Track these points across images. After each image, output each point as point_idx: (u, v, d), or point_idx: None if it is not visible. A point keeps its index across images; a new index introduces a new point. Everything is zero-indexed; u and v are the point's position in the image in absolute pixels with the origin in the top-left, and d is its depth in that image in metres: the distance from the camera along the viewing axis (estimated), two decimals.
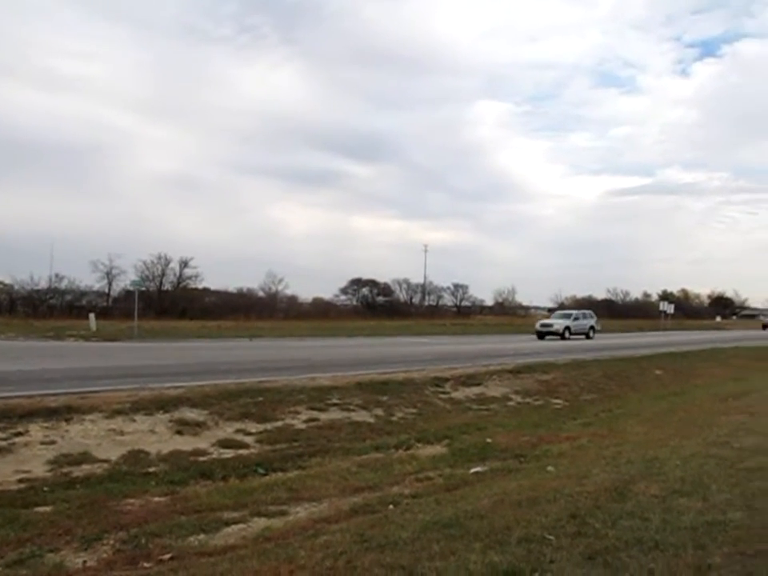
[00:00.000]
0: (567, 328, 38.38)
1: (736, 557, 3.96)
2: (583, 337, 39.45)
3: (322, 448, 9.77)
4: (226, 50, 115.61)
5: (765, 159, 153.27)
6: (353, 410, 12.23)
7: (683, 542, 4.23)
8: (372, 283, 78.38)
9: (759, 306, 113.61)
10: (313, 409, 11.90)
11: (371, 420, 11.91)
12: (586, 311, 44.80)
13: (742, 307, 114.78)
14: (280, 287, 72.22)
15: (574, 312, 43.39)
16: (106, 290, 63.20)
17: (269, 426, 10.80)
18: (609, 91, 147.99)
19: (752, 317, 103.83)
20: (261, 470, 8.51)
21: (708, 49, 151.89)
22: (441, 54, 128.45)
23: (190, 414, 10.70)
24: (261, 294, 71.82)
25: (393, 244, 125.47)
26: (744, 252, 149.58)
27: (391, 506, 6.31)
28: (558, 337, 37.36)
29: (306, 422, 11.24)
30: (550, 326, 38.87)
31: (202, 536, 5.66)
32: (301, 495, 7.15)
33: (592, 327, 41.35)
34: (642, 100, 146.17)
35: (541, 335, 37.77)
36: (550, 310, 65.71)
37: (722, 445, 7.95)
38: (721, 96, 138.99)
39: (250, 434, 10.34)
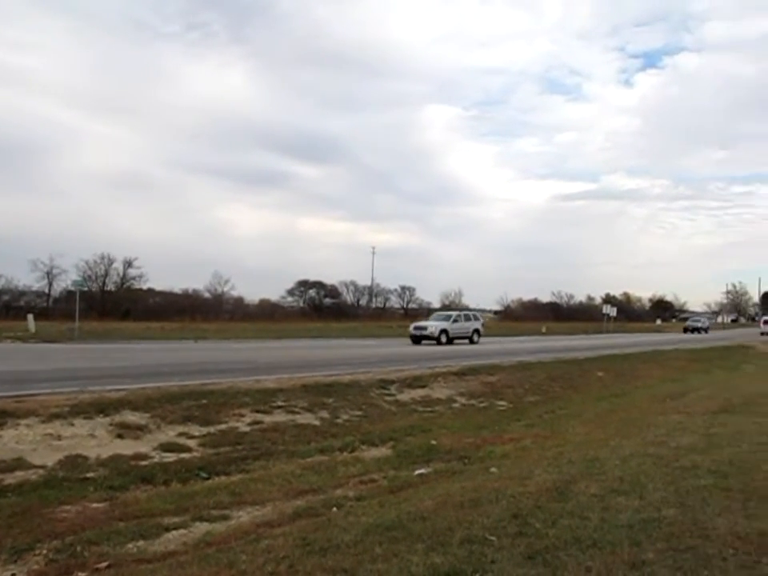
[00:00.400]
0: (444, 331, 33.61)
1: (668, 552, 4.07)
2: (466, 341, 35.09)
3: (266, 451, 9.68)
4: (174, 46, 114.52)
5: (703, 168, 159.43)
6: (298, 413, 12.15)
7: (620, 539, 4.32)
8: (319, 285, 78.41)
9: (697, 309, 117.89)
10: (257, 411, 11.78)
11: (316, 422, 11.85)
12: (470, 312, 40.89)
13: (682, 310, 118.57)
14: (226, 288, 71.80)
15: (455, 313, 38.37)
16: (46, 290, 61.77)
17: (212, 429, 10.65)
18: (555, 98, 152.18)
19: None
20: (203, 474, 8.38)
21: (650, 60, 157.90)
22: (392, 57, 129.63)
23: (132, 418, 10.46)
24: (207, 295, 71.24)
25: (341, 245, 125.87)
26: (683, 257, 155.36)
27: (335, 509, 6.28)
28: (434, 342, 32.74)
29: (250, 424, 11.11)
30: (424, 328, 33.91)
31: (141, 542, 5.53)
32: (244, 499, 7.07)
33: (477, 330, 36.42)
34: (587, 107, 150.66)
35: (415, 339, 33.32)
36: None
37: (659, 444, 8.14)
38: (662, 106, 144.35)
39: (192, 437, 10.17)
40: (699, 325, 70.37)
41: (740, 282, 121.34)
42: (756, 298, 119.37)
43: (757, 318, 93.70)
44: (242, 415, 11.49)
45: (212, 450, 9.63)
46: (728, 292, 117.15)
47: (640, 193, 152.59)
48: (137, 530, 5.82)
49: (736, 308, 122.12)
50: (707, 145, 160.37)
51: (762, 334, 60.02)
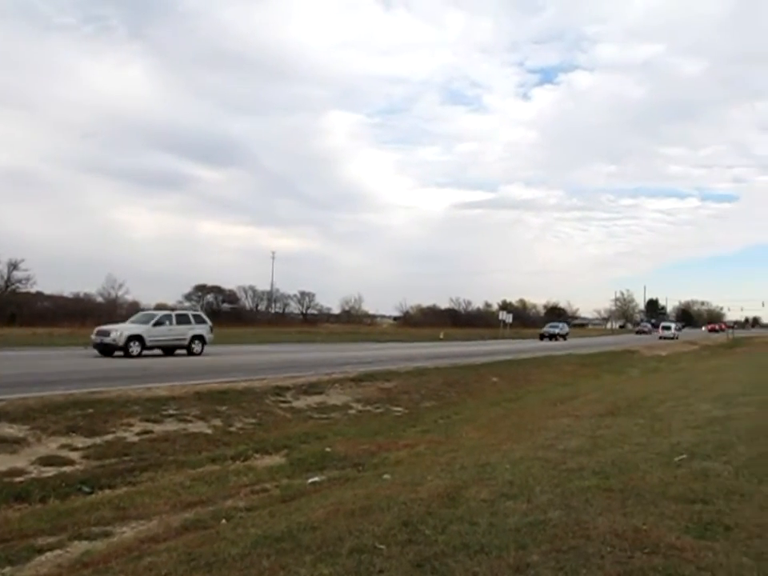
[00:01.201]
0: (137, 338, 24.19)
1: (552, 554, 4.16)
2: (184, 352, 25.83)
3: (155, 462, 9.36)
4: (69, 39, 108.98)
5: (594, 180, 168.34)
6: (190, 421, 11.84)
7: (506, 543, 4.37)
8: (217, 290, 76.80)
9: (588, 315, 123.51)
10: (147, 420, 11.41)
11: (209, 431, 11.57)
12: (189, 312, 30.18)
13: (574, 317, 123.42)
14: (120, 292, 68.70)
15: (160, 313, 27.74)
16: None
17: (98, 439, 10.22)
18: (457, 108, 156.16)
19: (582, 326, 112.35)
20: (86, 488, 8.01)
21: (547, 76, 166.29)
22: (295, 61, 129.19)
23: (9, 430, 9.88)
24: (99, 299, 68.04)
25: (240, 250, 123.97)
26: (576, 265, 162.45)
27: (224, 521, 6.12)
28: (121, 351, 23.81)
29: (139, 434, 10.75)
30: (106, 334, 24.26)
31: (7, 568, 5.18)
32: (128, 513, 6.79)
33: (199, 337, 26.52)
34: (487, 119, 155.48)
35: (102, 349, 24.18)
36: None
37: (548, 447, 8.36)
38: (558, 120, 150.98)
39: (76, 449, 9.72)
40: (557, 331, 63.61)
41: (627, 290, 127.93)
42: (642, 305, 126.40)
43: (641, 325, 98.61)
44: (131, 425, 11.08)
45: (97, 462, 9.25)
46: (616, 299, 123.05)
47: (536, 203, 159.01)
48: (4, 554, 5.45)
49: (624, 315, 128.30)
50: (598, 159, 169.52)
51: (661, 338, 66.30)
